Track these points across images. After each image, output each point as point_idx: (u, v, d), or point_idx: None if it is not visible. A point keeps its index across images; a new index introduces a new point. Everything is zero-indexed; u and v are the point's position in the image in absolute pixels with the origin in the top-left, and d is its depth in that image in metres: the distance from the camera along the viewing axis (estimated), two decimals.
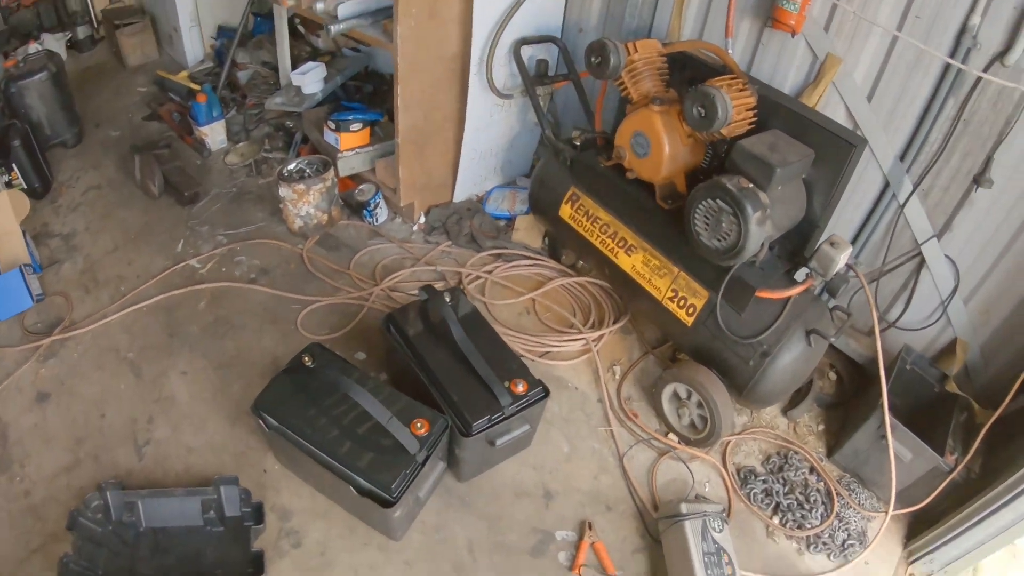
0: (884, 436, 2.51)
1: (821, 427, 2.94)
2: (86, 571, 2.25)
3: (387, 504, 2.12)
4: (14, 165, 3.99)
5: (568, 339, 3.02)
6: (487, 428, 2.30)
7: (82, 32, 6.61)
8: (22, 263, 3.42)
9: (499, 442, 2.35)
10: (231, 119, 4.56)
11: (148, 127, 4.94)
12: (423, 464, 2.20)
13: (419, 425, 2.22)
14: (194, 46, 5.76)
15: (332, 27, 3.25)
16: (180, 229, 3.77)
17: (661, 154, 2.59)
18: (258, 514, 2.37)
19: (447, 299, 2.54)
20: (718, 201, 2.32)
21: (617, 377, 2.95)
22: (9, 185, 3.93)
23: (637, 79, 2.68)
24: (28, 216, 3.76)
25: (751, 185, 2.29)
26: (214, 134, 4.41)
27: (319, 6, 3.46)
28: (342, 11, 3.30)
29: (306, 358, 2.42)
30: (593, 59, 2.67)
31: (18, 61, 4.87)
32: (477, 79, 3.26)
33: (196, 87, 4.79)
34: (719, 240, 2.38)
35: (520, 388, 2.35)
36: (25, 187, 4.01)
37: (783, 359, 2.46)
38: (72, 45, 6.57)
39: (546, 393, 2.41)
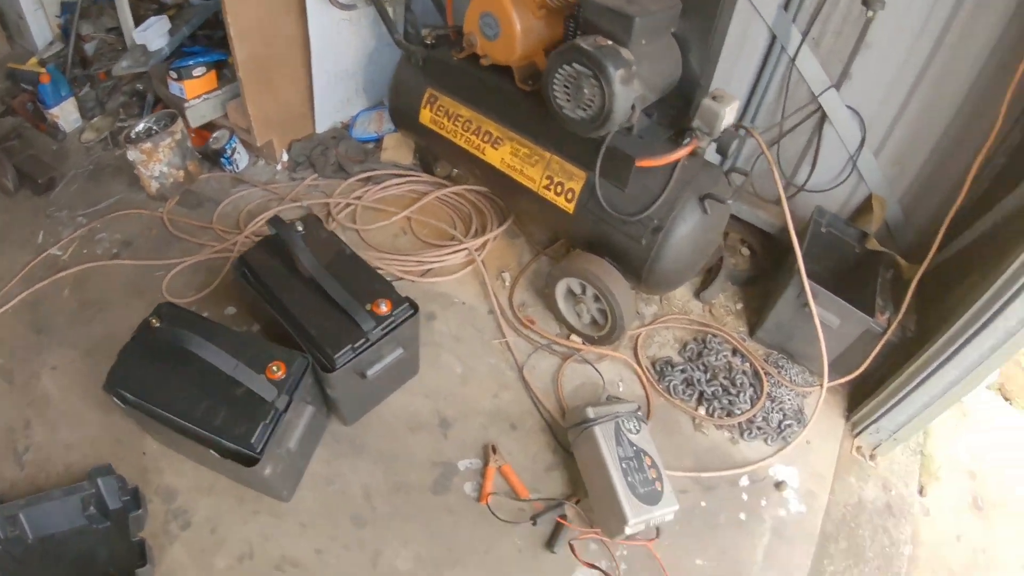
0: (806, 304, 2.35)
1: (739, 305, 2.77)
2: None
3: (252, 461, 1.92)
4: None
5: (449, 252, 2.81)
6: (353, 359, 2.07)
7: None
8: None
9: (370, 372, 2.12)
10: (84, 96, 4.27)
11: (3, 124, 4.62)
12: (285, 410, 1.99)
13: (275, 368, 2.00)
14: (41, 29, 5.40)
15: None
16: (39, 220, 3.52)
17: (513, 32, 2.35)
18: (136, 500, 2.23)
19: (299, 228, 2.30)
20: (575, 65, 2.09)
21: (507, 285, 2.75)
22: None
23: None
24: None
25: (609, 43, 2.06)
26: (65, 114, 4.12)
27: None
28: None
29: (153, 320, 2.19)
30: None
31: None
32: None
33: (43, 71, 4.47)
34: (583, 109, 2.15)
35: (384, 308, 2.11)
36: None
37: (678, 231, 2.24)
38: None
39: (415, 310, 2.18)
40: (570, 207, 2.41)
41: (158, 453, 2.43)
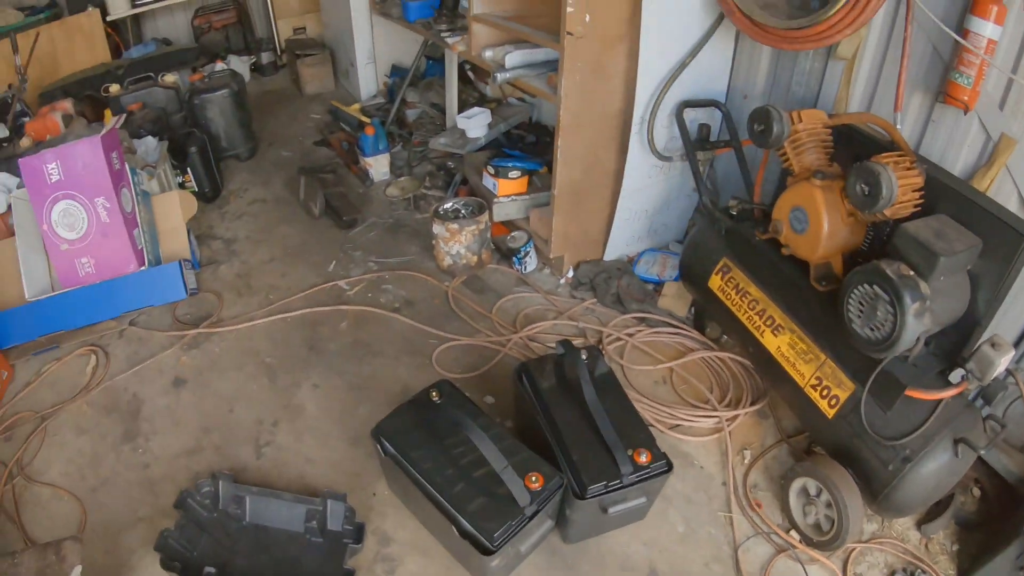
0: None
1: (955, 547, 2.80)
2: (184, 550, 2.48)
3: (486, 552, 2.18)
4: (189, 169, 4.58)
5: (702, 415, 3.02)
6: (602, 494, 2.33)
7: (266, 58, 7.37)
8: (182, 257, 3.89)
9: (612, 510, 2.37)
10: (395, 153, 4.93)
11: (318, 152, 5.40)
12: (531, 518, 2.25)
13: (534, 479, 2.28)
14: (368, 81, 6.26)
15: (498, 75, 3.48)
16: (334, 250, 4.15)
17: (820, 231, 2.58)
18: (359, 534, 2.50)
19: (583, 357, 2.60)
20: (875, 287, 2.28)
21: (746, 462, 2.93)
22: (182, 186, 4.51)
23: (800, 150, 2.70)
24: (196, 217, 4.24)
25: (912, 273, 2.24)
26: (378, 165, 4.78)
27: (487, 54, 3.74)
28: (509, 60, 3.56)
29: (434, 393, 2.56)
30: (756, 126, 2.72)
31: (204, 76, 5.45)
32: (638, 139, 3.38)
33: (366, 120, 5.20)
34: (872, 330, 2.33)
35: (643, 459, 2.36)
36: (196, 190, 4.57)
37: (926, 467, 2.37)
38: (255, 68, 7.28)
39: (669, 468, 2.41)
40: (831, 412, 2.60)
41: (387, 499, 2.76)
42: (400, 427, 2.49)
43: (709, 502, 2.78)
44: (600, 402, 2.47)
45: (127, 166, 3.87)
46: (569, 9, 2.95)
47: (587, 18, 3.01)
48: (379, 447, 2.47)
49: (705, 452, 2.95)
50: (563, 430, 2.47)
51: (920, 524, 2.81)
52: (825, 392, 2.62)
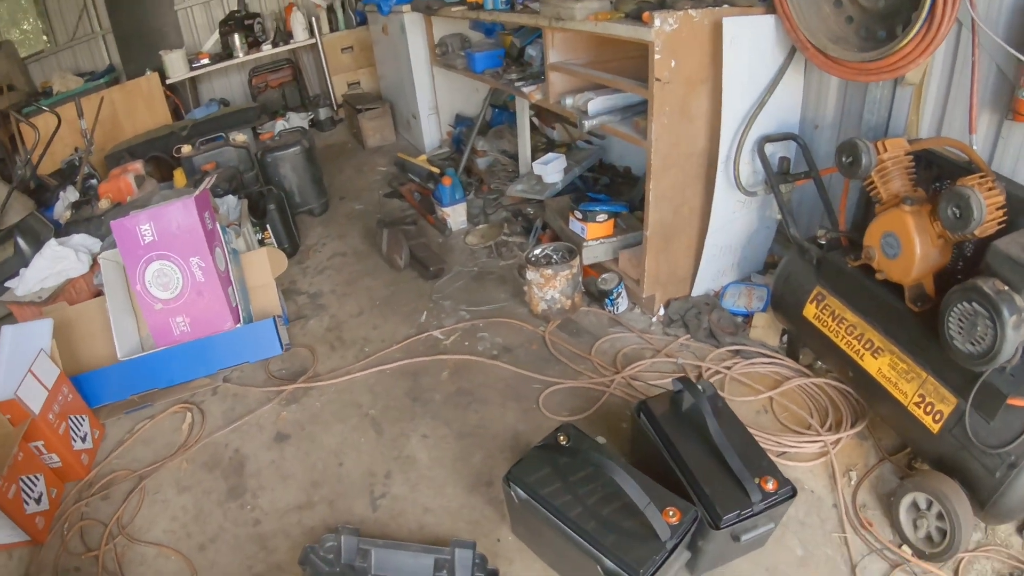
0: None
1: None
2: None
3: None
4: (268, 226, 4.95)
5: (806, 440, 3.23)
6: (735, 523, 2.53)
7: (323, 113, 7.85)
8: (273, 314, 4.17)
9: (744, 538, 2.58)
10: (470, 202, 5.26)
11: (389, 204, 5.80)
12: (671, 552, 2.37)
13: (671, 513, 2.42)
14: (431, 132, 6.69)
15: (586, 122, 3.81)
16: (423, 301, 4.44)
17: (913, 255, 2.82)
18: None
19: (704, 392, 2.83)
20: (974, 304, 2.50)
21: (852, 483, 3.12)
22: (262, 243, 4.86)
23: (887, 179, 2.95)
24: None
25: (1007, 288, 2.46)
26: (456, 215, 5.14)
27: (568, 101, 4.08)
28: (592, 107, 3.87)
29: (561, 437, 2.76)
30: (844, 159, 2.99)
31: (274, 135, 5.90)
32: (723, 176, 3.66)
33: (436, 170, 5.58)
34: (973, 344, 2.55)
35: (770, 486, 2.57)
36: (275, 246, 4.89)
37: None
38: (313, 124, 7.76)
39: (794, 493, 2.62)
40: (935, 427, 2.83)
41: (512, 545, 2.88)
42: (530, 471, 2.65)
43: (822, 524, 2.98)
44: (723, 434, 2.69)
45: (218, 225, 4.21)
46: (657, 56, 3.27)
47: (673, 63, 3.33)
48: (512, 492, 2.61)
49: (813, 476, 3.16)
50: (690, 463, 2.69)
51: (1021, 529, 2.98)
52: (929, 408, 2.86)
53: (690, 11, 3.28)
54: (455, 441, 3.45)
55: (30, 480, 3.22)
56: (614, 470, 2.43)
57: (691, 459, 2.70)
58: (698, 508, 2.53)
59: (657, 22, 3.22)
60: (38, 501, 3.24)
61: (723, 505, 2.53)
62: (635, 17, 3.44)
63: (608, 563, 2.35)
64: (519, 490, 2.60)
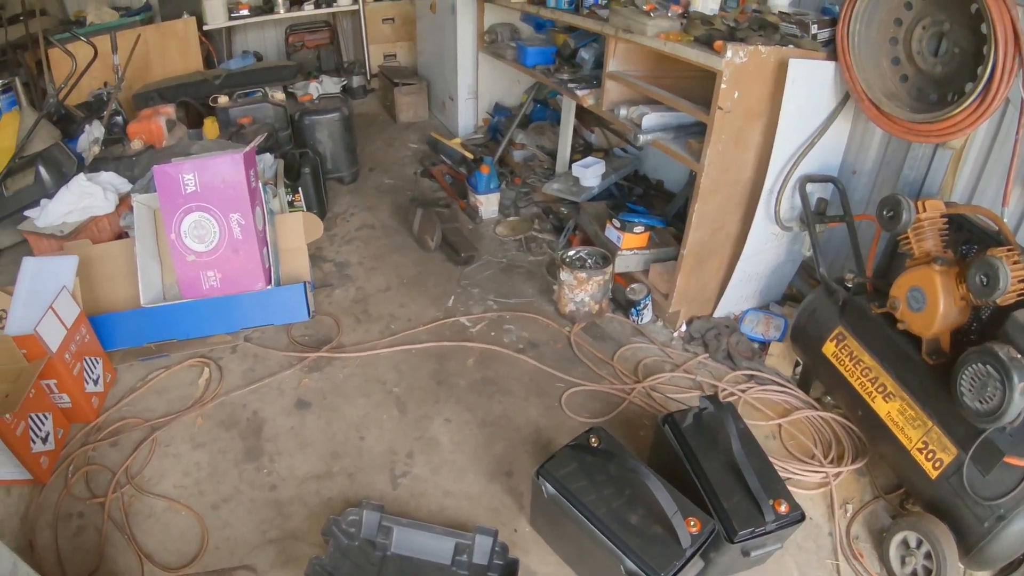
0: None
1: None
2: None
3: None
4: (300, 189, 5.04)
5: (809, 470, 3.49)
6: (748, 539, 2.71)
7: (356, 81, 8.01)
8: (302, 279, 4.33)
9: (753, 554, 2.83)
10: (503, 193, 5.48)
11: (420, 182, 5.99)
12: (689, 560, 2.53)
13: (692, 523, 2.58)
14: (467, 116, 6.88)
15: (640, 136, 4.06)
16: (451, 286, 4.64)
17: (936, 311, 3.08)
18: (509, 571, 2.76)
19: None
20: (988, 367, 2.77)
21: (848, 515, 3.38)
22: (291, 205, 4.96)
23: (921, 237, 3.20)
24: None
25: (1020, 356, 2.74)
26: (488, 204, 5.36)
27: (622, 112, 4.30)
28: (646, 122, 4.09)
29: (593, 439, 2.91)
30: (885, 212, 3.24)
31: (313, 97, 6.08)
32: (764, 208, 3.91)
33: (469, 155, 5.78)
34: (981, 403, 2.81)
35: (783, 508, 2.75)
36: (304, 210, 4.99)
37: (1017, 525, 2.84)
38: (345, 90, 7.89)
39: (803, 518, 2.85)
40: (934, 473, 3.08)
41: (529, 537, 3.05)
42: (562, 468, 2.81)
43: (818, 550, 3.22)
44: (744, 453, 2.93)
45: (260, 184, 4.35)
46: (723, 86, 3.52)
47: (736, 94, 3.58)
48: (543, 486, 2.77)
49: (812, 504, 3.39)
50: (711, 478, 2.93)
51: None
52: (931, 455, 3.13)
53: (760, 47, 3.53)
54: (478, 428, 3.61)
55: (39, 418, 3.29)
56: (647, 476, 2.64)
57: (712, 473, 2.94)
58: (715, 521, 2.76)
59: (729, 53, 3.46)
60: (44, 440, 3.31)
61: (739, 520, 2.77)
62: (705, 43, 3.69)
63: (630, 563, 2.52)
64: (549, 485, 2.78)
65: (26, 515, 3.15)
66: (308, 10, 8.42)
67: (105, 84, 6.59)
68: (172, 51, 7.66)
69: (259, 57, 8.53)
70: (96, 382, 3.75)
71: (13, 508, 3.18)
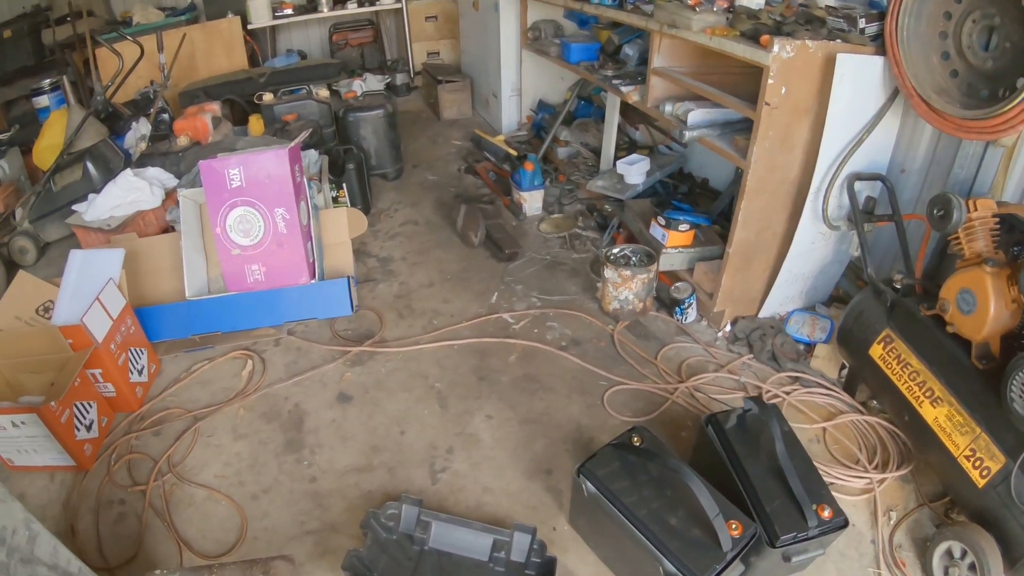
0: None
1: None
2: (366, 570, 2.73)
3: None
4: (344, 185, 5.12)
5: (853, 475, 3.43)
6: (790, 544, 2.66)
7: (400, 79, 8.08)
8: (346, 273, 4.38)
9: (794, 560, 2.76)
10: (547, 190, 5.48)
11: (464, 179, 6.03)
12: (730, 563, 2.51)
13: (734, 526, 2.56)
14: (511, 113, 6.91)
15: (686, 133, 4.03)
16: (495, 282, 4.67)
17: (986, 314, 3.01)
18: (547, 569, 2.78)
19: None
20: None
21: (891, 523, 3.32)
22: (336, 201, 5.01)
23: (973, 237, 3.14)
24: None
25: None
26: (532, 201, 5.36)
27: (667, 108, 4.28)
28: (692, 118, 4.06)
29: (635, 438, 2.89)
30: (936, 211, 3.18)
31: (358, 95, 6.15)
32: (811, 207, 3.86)
33: (513, 152, 5.81)
34: None
35: (827, 514, 2.75)
36: (348, 206, 5.03)
37: None
38: (388, 88, 7.97)
39: (846, 524, 2.80)
40: (981, 482, 3.01)
41: (568, 535, 3.05)
42: (603, 467, 2.79)
43: (860, 558, 3.17)
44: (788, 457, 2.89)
45: (305, 179, 4.41)
46: (770, 81, 3.48)
47: (783, 90, 3.53)
48: (583, 485, 2.76)
49: (855, 511, 3.33)
50: (754, 481, 2.89)
51: None
52: (978, 463, 3.05)
53: (807, 42, 3.48)
54: (519, 425, 3.62)
55: (83, 407, 3.39)
56: (690, 477, 2.61)
57: (755, 476, 2.90)
58: (756, 524, 2.73)
59: (776, 48, 3.42)
60: (88, 428, 3.42)
61: (782, 525, 2.73)
62: (751, 37, 3.65)
63: (669, 565, 2.51)
64: (589, 484, 2.76)
65: (68, 501, 3.25)
66: (351, 9, 8.53)
67: (151, 82, 6.72)
68: (217, 50, 7.81)
69: (303, 55, 8.63)
70: (140, 372, 3.86)
71: (56, 494, 3.29)
